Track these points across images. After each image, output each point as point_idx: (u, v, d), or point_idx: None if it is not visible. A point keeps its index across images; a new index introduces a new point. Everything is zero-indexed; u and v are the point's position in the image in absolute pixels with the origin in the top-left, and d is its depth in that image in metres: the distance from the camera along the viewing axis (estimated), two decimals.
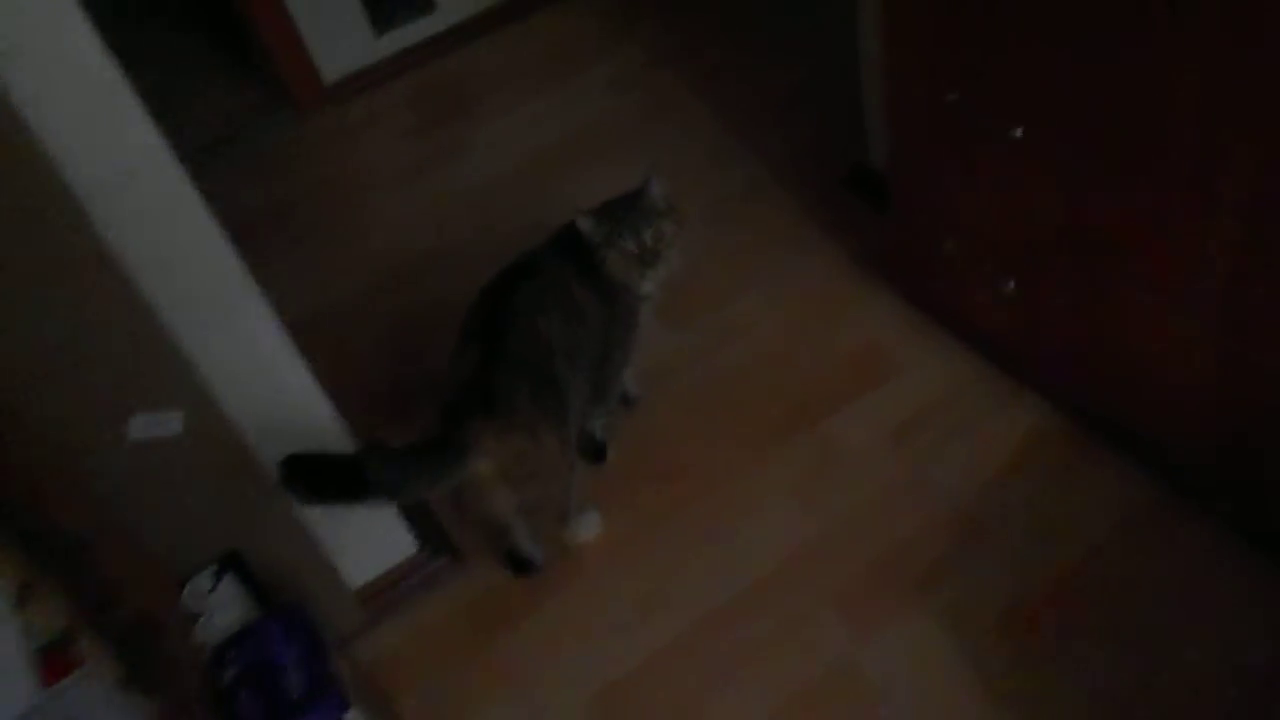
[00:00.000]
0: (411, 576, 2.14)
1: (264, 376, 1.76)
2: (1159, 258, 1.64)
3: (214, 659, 1.63)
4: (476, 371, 1.85)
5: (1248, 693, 1.69)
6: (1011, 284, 1.95)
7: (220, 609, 1.70)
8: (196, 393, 1.59)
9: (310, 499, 1.76)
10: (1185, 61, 1.42)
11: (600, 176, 2.13)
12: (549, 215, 2.04)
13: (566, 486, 2.02)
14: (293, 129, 3.37)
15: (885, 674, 1.83)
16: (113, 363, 1.50)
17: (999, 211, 1.90)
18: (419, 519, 2.18)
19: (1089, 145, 1.65)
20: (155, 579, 1.68)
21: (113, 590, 1.41)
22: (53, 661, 1.20)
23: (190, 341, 1.58)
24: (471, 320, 1.92)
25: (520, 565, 2.11)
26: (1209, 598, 1.80)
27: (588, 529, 2.13)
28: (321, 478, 1.74)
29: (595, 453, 2.23)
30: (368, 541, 2.07)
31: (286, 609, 1.71)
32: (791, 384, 2.30)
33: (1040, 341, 2.01)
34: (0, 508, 1.29)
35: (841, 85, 2.67)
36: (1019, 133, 1.73)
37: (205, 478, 1.68)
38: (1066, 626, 1.82)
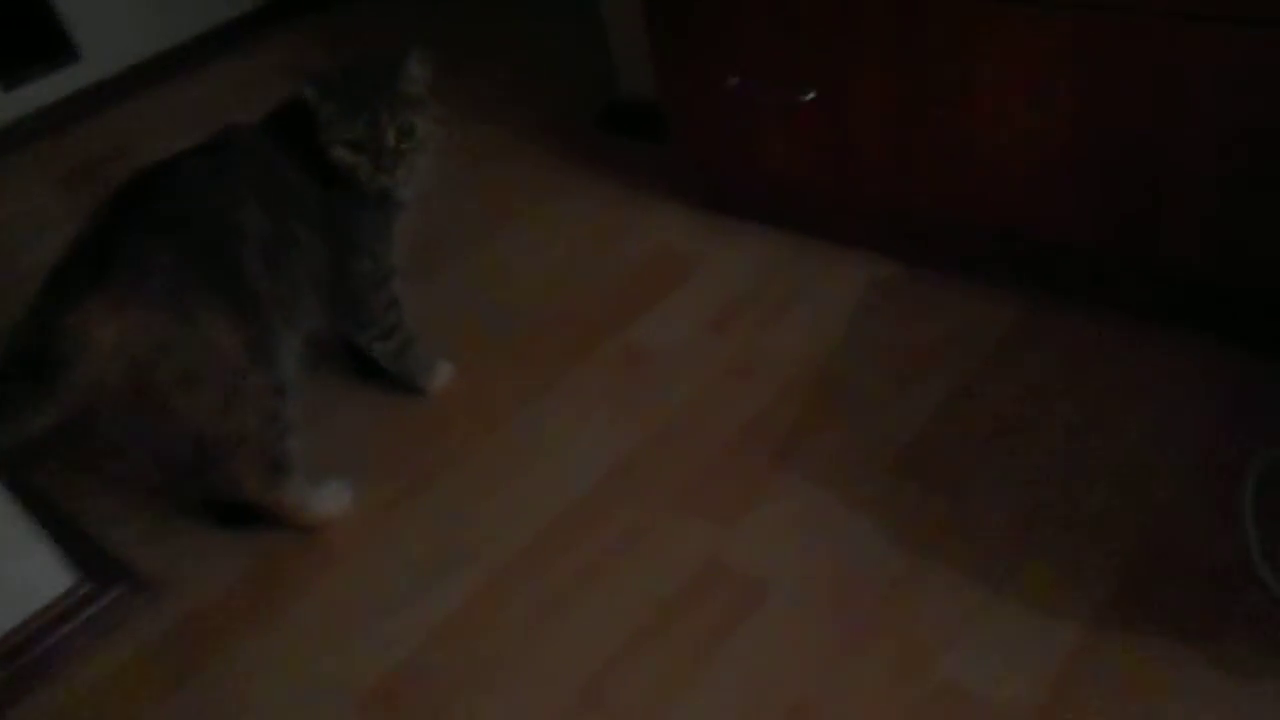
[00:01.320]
0: (70, 620, 1.43)
1: None
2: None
3: None
4: (93, 239, 1.29)
5: (1198, 457, 1.33)
6: (812, 93, 1.63)
7: None
8: None
9: None
10: None
11: None
12: None
13: (267, 419, 1.39)
14: None
15: (766, 556, 1.34)
16: None
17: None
18: (72, 538, 1.49)
19: None
20: None
21: None
22: None
23: None
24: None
25: (230, 514, 1.52)
26: (1119, 378, 1.47)
27: (329, 500, 1.52)
28: None
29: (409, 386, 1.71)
30: None
31: None
32: (579, 306, 1.83)
33: (862, 171, 1.67)
34: None
35: (573, 55, 2.43)
36: None
37: None
38: (977, 441, 1.43)
